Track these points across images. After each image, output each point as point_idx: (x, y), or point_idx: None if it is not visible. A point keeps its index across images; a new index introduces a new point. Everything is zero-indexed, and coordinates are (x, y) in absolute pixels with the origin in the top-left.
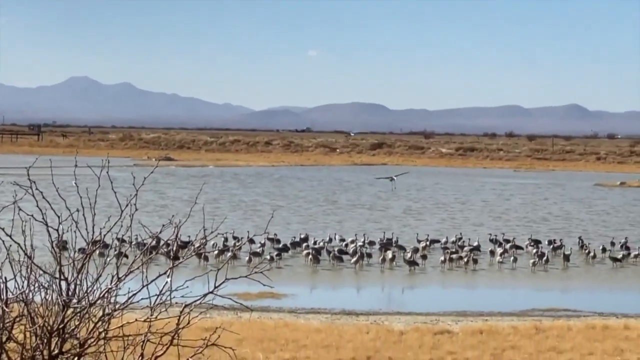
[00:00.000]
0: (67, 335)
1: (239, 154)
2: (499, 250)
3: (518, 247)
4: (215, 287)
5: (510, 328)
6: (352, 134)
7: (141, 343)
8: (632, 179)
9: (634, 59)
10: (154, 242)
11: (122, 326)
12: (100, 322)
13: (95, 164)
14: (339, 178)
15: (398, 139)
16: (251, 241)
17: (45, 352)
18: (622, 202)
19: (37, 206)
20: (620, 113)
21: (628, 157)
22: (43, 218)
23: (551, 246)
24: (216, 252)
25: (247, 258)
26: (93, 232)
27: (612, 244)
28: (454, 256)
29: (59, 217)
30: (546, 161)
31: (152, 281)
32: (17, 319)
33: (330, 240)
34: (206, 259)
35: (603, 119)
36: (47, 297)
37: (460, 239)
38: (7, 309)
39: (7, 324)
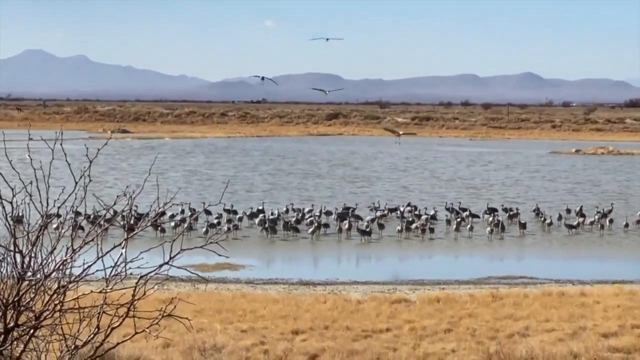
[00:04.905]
0: (22, 308)
1: (194, 126)
2: (456, 218)
3: (474, 216)
4: (171, 258)
5: (467, 296)
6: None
7: (97, 315)
8: (587, 146)
9: (588, 26)
10: (109, 213)
11: (77, 298)
12: (55, 295)
13: (49, 137)
14: (294, 148)
15: (354, 109)
16: (207, 212)
17: (1, 325)
18: (577, 169)
19: None
20: (575, 81)
21: (583, 124)
22: None
23: (507, 214)
24: (173, 223)
25: (204, 229)
26: (47, 204)
27: (568, 211)
28: (411, 226)
29: (12, 189)
30: (501, 130)
31: (107, 253)
32: None
33: (287, 210)
34: (163, 230)
35: (558, 87)
36: (1, 270)
37: (415, 207)
38: None
39: None
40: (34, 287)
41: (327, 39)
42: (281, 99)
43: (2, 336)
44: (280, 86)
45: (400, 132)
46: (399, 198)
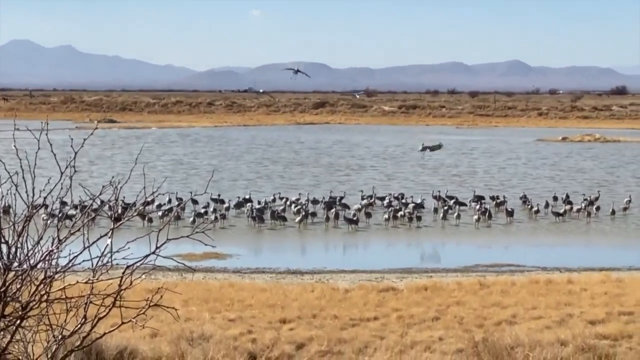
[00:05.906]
0: (9, 299)
1: (181, 115)
2: (443, 207)
3: (461, 204)
4: (157, 248)
5: (454, 284)
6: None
7: (84, 305)
8: (574, 133)
9: (575, 14)
10: (95, 203)
11: (64, 288)
12: (42, 285)
13: (36, 128)
14: (280, 137)
15: (341, 97)
16: (194, 201)
17: None
18: (564, 157)
19: None
20: (562, 68)
21: (569, 112)
22: None
23: (494, 202)
24: (160, 213)
25: (191, 219)
26: (33, 194)
27: (555, 198)
28: (398, 214)
29: None
30: (488, 117)
31: (93, 243)
32: None
33: (274, 199)
34: (150, 220)
35: (545, 75)
36: None
37: (402, 195)
38: None
39: None
40: (20, 277)
41: (297, 71)
42: (268, 88)
43: None
44: (270, 75)
45: (428, 149)
46: (384, 187)
